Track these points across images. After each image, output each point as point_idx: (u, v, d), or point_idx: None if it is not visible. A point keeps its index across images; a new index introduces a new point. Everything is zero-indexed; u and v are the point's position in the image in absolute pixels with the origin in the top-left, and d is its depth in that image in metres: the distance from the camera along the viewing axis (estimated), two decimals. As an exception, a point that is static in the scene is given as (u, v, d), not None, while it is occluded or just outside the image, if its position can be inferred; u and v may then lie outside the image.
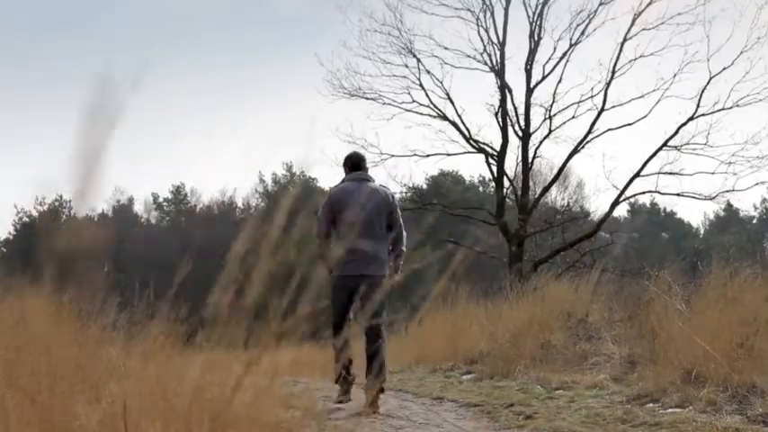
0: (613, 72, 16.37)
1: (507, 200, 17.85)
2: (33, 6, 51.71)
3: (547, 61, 16.98)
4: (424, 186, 27.45)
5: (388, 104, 16.97)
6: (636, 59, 16.13)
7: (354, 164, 5.19)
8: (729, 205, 31.74)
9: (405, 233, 5.08)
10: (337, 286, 4.71)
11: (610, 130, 16.77)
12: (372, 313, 4.34)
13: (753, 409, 3.65)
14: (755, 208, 43.05)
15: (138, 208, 43.94)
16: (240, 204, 42.19)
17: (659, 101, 16.01)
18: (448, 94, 16.96)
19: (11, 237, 40.45)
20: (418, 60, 16.89)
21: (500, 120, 17.20)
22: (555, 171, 18.30)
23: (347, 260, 4.69)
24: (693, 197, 16.22)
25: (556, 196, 24.78)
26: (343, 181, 5.13)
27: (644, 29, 16.07)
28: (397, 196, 17.92)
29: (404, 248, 5.04)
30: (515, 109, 17.23)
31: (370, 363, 4.63)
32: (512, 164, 17.51)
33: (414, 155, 17.00)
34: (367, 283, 4.52)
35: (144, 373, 2.05)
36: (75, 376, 2.22)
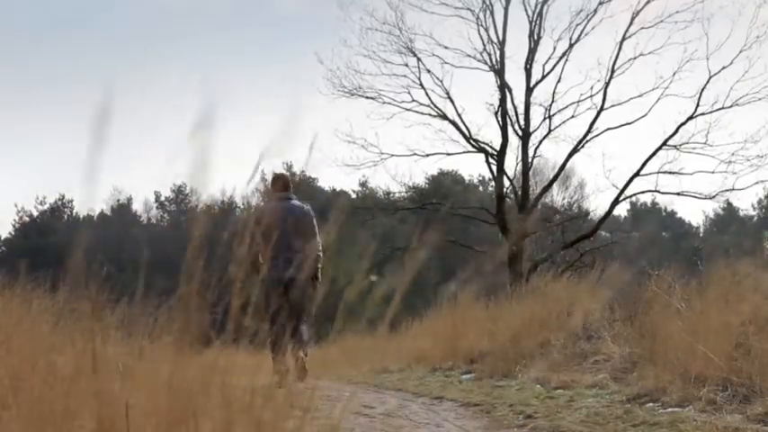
0: (613, 71, 16.41)
1: (507, 199, 17.86)
2: (33, 6, 51.73)
3: (546, 60, 17.02)
4: (425, 186, 27.44)
5: (388, 103, 17.03)
6: (635, 58, 16.18)
7: (278, 184, 6.33)
8: (729, 204, 31.77)
9: (320, 241, 5.91)
10: (268, 289, 5.68)
11: (609, 129, 16.83)
12: (295, 306, 5.75)
13: (753, 409, 3.65)
14: (754, 208, 43.06)
15: (137, 207, 43.92)
16: (240, 204, 42.16)
17: (659, 100, 16.06)
18: (448, 94, 17.00)
19: (11, 236, 40.43)
20: (418, 59, 16.93)
21: (500, 119, 17.22)
22: (556, 170, 18.34)
23: (273, 266, 5.61)
24: (693, 196, 16.26)
25: (556, 196, 24.78)
26: (269, 200, 6.25)
27: (643, 27, 16.12)
28: (397, 195, 18.03)
29: (320, 254, 5.91)
30: (515, 108, 17.26)
31: (293, 339, 5.66)
32: (511, 163, 17.55)
33: (413, 154, 17.06)
34: (290, 284, 5.70)
35: (144, 373, 2.05)
36: (76, 375, 2.22)
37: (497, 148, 17.35)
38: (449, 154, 17.29)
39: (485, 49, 16.97)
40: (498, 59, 17.04)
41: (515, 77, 24.81)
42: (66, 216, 42.85)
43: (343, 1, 17.27)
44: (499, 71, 17.03)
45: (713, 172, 15.73)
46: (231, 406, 1.56)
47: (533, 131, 17.22)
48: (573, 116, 16.80)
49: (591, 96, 16.53)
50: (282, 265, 5.54)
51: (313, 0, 50.27)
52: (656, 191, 16.61)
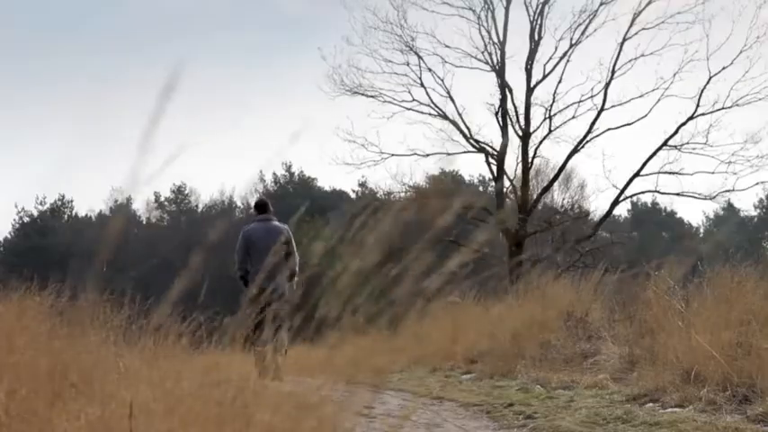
0: (613, 72, 16.42)
1: (507, 199, 17.86)
2: (33, 6, 51.72)
3: (547, 61, 17.02)
4: (425, 185, 27.41)
5: (389, 102, 17.02)
6: (636, 59, 16.20)
7: (260, 208, 7.00)
8: (729, 204, 31.74)
9: (297, 258, 6.64)
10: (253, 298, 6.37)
11: (610, 129, 16.83)
12: (276, 315, 6.13)
13: (752, 409, 3.65)
14: (755, 207, 43.02)
15: (137, 207, 43.87)
16: (240, 204, 42.13)
17: (659, 100, 16.06)
18: (449, 93, 17.00)
19: (10, 236, 40.41)
20: (420, 58, 16.94)
21: (500, 119, 17.22)
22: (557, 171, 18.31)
23: (257, 279, 6.22)
24: (693, 196, 16.27)
25: (557, 196, 24.76)
26: (252, 222, 6.95)
27: (644, 28, 16.13)
28: (402, 195, 17.99)
29: (297, 269, 6.63)
30: (515, 108, 17.26)
31: (274, 343, 6.08)
32: (512, 163, 17.54)
33: (414, 154, 17.07)
34: (273, 296, 6.08)
35: (145, 374, 2.05)
36: (76, 377, 2.22)
37: (497, 148, 17.35)
38: (449, 154, 17.31)
39: (486, 48, 16.98)
40: (499, 59, 17.05)
41: (516, 77, 24.76)
42: (66, 216, 42.84)
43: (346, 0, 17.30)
44: (500, 71, 17.04)
45: (713, 172, 15.76)
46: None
47: (534, 131, 17.24)
48: (573, 116, 16.83)
49: (591, 97, 16.56)
50: (265, 279, 6.29)
51: (314, 0, 50.30)
52: (656, 191, 16.65)
